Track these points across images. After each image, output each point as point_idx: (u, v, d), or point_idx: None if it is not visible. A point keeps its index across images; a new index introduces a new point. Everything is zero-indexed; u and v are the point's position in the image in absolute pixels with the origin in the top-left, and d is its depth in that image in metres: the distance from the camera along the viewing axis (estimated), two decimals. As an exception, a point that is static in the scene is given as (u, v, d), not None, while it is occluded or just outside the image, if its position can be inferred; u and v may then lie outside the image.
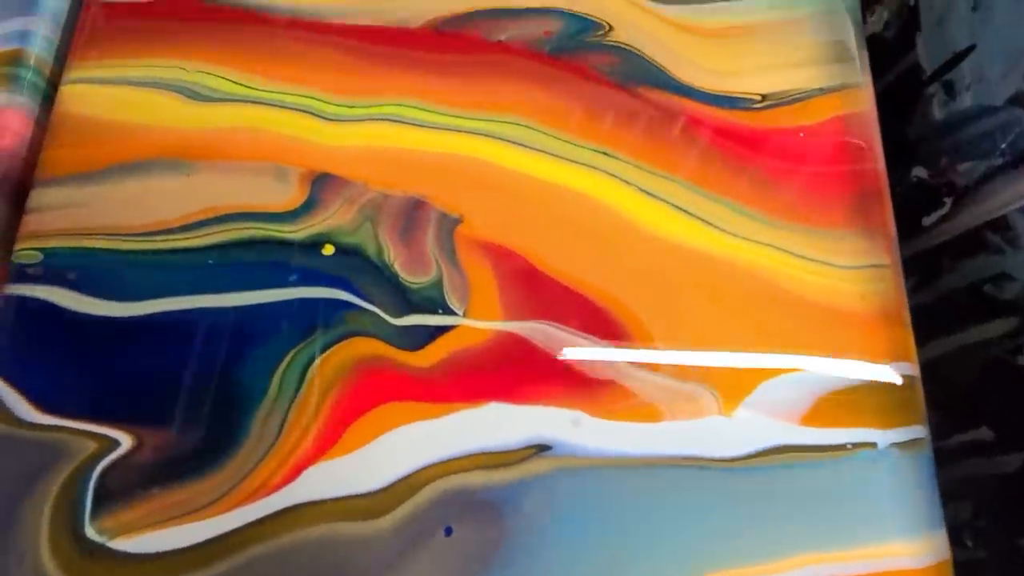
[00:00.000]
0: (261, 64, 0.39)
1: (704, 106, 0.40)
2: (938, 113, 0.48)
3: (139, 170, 0.37)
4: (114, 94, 0.38)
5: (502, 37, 0.41)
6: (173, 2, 0.40)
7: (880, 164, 0.40)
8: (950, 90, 0.47)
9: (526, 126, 0.39)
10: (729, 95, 0.41)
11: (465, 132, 0.39)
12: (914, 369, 0.37)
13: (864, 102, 0.41)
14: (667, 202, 0.38)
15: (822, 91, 0.41)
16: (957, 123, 0.46)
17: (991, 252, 0.43)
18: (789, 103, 0.41)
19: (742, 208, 0.38)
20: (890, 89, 0.49)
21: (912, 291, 0.44)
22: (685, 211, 0.38)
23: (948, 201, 0.46)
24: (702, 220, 0.38)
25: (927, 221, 0.47)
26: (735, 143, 0.40)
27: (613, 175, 0.38)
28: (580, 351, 0.35)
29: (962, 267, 0.45)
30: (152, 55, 0.39)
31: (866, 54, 0.43)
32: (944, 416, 0.44)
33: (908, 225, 0.46)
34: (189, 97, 0.38)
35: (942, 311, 0.46)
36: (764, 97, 0.41)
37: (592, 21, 0.42)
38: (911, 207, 0.48)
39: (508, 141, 0.39)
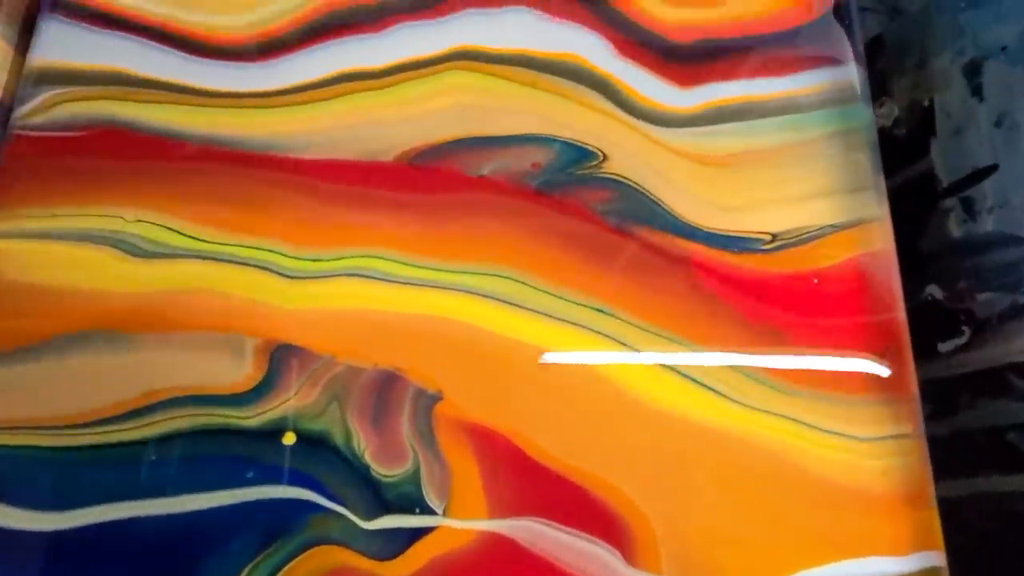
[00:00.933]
0: (212, 210, 0.35)
1: (709, 249, 0.36)
2: (955, 231, 0.44)
3: (71, 346, 0.32)
4: (41, 251, 0.34)
5: (484, 171, 0.37)
6: (110, 135, 0.36)
7: (901, 314, 0.37)
8: (969, 209, 0.43)
9: (513, 279, 0.35)
10: (736, 235, 0.37)
11: (444, 288, 0.35)
12: (940, 559, 0.33)
13: (882, 239, 0.38)
14: (671, 368, 0.34)
15: (836, 228, 0.38)
16: (977, 247, 0.43)
17: (1015, 398, 0.40)
18: (801, 243, 0.37)
19: (752, 373, 0.35)
20: (900, 192, 0.46)
21: (925, 420, 0.41)
22: (690, 379, 0.34)
23: (967, 330, 0.43)
24: (709, 389, 0.34)
25: (943, 347, 0.44)
26: (744, 294, 0.36)
27: (610, 337, 0.34)
28: (573, 553, 0.31)
29: (982, 407, 0.42)
30: (87, 201, 0.34)
31: (883, 180, 0.39)
32: (961, 563, 0.41)
33: (921, 347, 0.43)
34: (130, 253, 0.34)
35: (959, 449, 0.43)
36: (774, 237, 0.37)
37: (584, 149, 0.38)
38: (924, 327, 0.44)
39: (492, 298, 0.35)
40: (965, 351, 0.42)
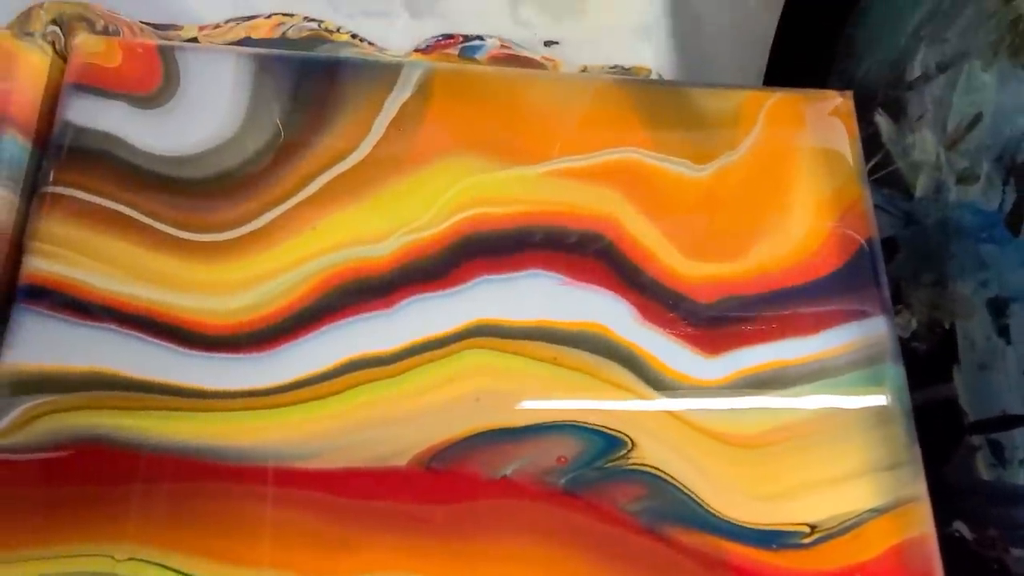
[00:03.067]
0: (211, 540, 0.31)
1: (747, 548, 0.34)
2: (985, 473, 0.43)
3: None
4: (18, 609, 0.30)
5: (508, 471, 0.34)
6: (94, 454, 0.32)
7: (946, 608, 0.35)
8: (999, 454, 0.42)
9: (542, 602, 0.33)
10: (775, 529, 0.35)
11: (469, 618, 0.32)
12: None
13: (922, 523, 0.36)
14: None
15: (876, 512, 0.36)
16: (1009, 498, 0.42)
17: (1058, 671, 0.39)
18: (841, 533, 0.35)
19: None
20: (923, 413, 0.44)
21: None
22: None
23: (1000, 583, 0.42)
24: None
25: (974, 593, 0.43)
26: (785, 600, 0.34)
27: (649, 666, 0.32)
28: None
29: (1022, 669, 0.41)
30: (69, 538, 0.31)
31: (919, 451, 0.38)
32: None
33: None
34: (120, 602, 0.31)
35: None
36: (813, 528, 0.35)
37: (612, 438, 0.35)
38: (952, 564, 0.43)
39: (522, 627, 0.32)
40: (1000, 604, 0.41)
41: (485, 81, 0.41)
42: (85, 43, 0.38)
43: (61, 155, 0.36)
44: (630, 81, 0.43)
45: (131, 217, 0.36)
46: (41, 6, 0.42)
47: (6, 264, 0.35)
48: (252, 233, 0.36)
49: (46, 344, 0.33)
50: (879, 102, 0.52)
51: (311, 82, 0.39)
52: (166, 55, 0.39)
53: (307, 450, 0.33)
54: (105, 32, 0.42)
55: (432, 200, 0.38)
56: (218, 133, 0.38)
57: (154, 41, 0.40)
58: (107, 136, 0.37)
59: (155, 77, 0.38)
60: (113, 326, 0.34)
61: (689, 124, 0.42)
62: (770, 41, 0.58)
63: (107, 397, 0.33)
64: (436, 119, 0.40)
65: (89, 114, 0.37)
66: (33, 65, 0.38)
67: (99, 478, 0.32)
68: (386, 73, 0.40)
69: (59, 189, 0.36)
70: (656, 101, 0.42)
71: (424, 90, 0.40)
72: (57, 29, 0.41)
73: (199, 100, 0.38)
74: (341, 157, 0.38)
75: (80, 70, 0.38)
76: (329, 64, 0.40)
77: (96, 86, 0.37)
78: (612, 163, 0.40)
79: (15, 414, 0.32)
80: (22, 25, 0.41)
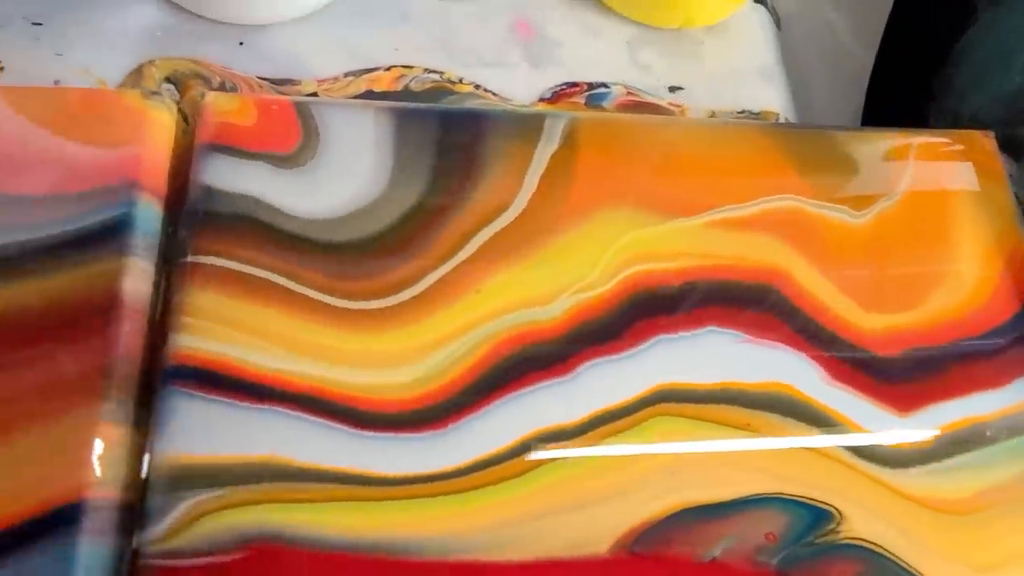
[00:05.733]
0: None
1: (975, 628, 0.32)
2: None
3: None
4: None
5: (716, 552, 0.31)
6: (266, 555, 0.28)
7: None
8: None
9: None
10: (999, 606, 0.32)
11: None
12: None
13: None
14: None
15: (1105, 574, 0.33)
16: None
17: None
18: (1072, 603, 0.33)
19: None
20: None
21: None
22: None
23: None
24: None
25: None
26: None
27: None
28: None
29: None
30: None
31: None
32: None
33: None
34: None
35: None
36: (1041, 603, 0.33)
37: (820, 510, 0.32)
38: None
39: None
40: None
41: (630, 130, 0.39)
42: (216, 101, 0.36)
43: (200, 221, 0.33)
44: (774, 127, 0.42)
45: (282, 285, 0.33)
46: (152, 63, 0.39)
47: (146, 343, 0.32)
48: (413, 299, 0.33)
49: (204, 431, 0.30)
50: (996, 142, 0.51)
51: (455, 135, 0.37)
52: (303, 112, 0.36)
53: (496, 539, 0.30)
54: (222, 89, 0.40)
55: (597, 257, 0.35)
56: (365, 192, 0.35)
57: (288, 98, 0.37)
58: (248, 199, 0.34)
59: (294, 135, 0.36)
60: (277, 407, 0.31)
61: (841, 169, 0.40)
62: (867, 80, 0.57)
63: (278, 489, 0.29)
64: (587, 171, 0.37)
65: (227, 176, 0.34)
66: (162, 125, 0.35)
67: (275, 583, 0.28)
68: (529, 124, 0.38)
69: (201, 258, 0.33)
70: (804, 146, 0.40)
71: (571, 141, 0.38)
72: (172, 87, 0.39)
73: (342, 158, 0.36)
74: (497, 214, 0.36)
75: (213, 129, 0.35)
76: (470, 116, 0.38)
77: (232, 146, 0.35)
78: (772, 211, 0.38)
79: (178, 512, 0.28)
80: (134, 84, 0.39)
